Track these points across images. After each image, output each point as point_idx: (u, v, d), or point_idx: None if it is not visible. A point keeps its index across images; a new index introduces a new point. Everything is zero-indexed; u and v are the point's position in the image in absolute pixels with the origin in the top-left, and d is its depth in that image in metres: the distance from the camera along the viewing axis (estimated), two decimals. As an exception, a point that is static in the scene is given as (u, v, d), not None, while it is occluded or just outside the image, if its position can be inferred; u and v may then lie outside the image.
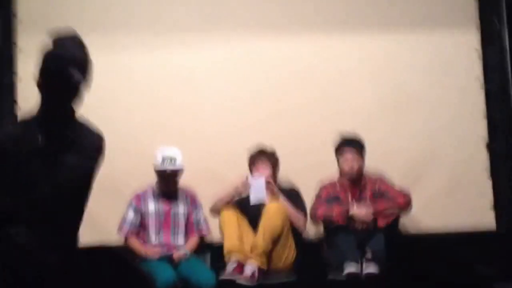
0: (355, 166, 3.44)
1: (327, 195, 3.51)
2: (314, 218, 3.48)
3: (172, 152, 3.48)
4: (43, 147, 1.87)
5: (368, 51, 3.86)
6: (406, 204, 3.41)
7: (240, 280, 3.24)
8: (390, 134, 3.81)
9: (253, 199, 3.38)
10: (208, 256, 3.61)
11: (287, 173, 3.65)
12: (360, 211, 3.38)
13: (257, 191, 3.34)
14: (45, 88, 1.88)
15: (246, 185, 3.42)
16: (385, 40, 3.85)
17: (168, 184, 3.53)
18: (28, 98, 3.71)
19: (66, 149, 1.89)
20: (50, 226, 1.81)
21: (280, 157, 3.58)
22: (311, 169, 3.68)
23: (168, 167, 3.46)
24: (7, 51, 3.81)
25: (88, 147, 1.96)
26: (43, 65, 1.88)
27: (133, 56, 3.80)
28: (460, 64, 3.83)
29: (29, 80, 3.69)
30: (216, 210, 3.51)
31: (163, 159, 3.47)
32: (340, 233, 3.35)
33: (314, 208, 3.48)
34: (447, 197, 3.75)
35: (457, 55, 3.84)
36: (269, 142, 3.62)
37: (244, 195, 3.46)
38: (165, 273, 3.18)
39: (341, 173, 3.52)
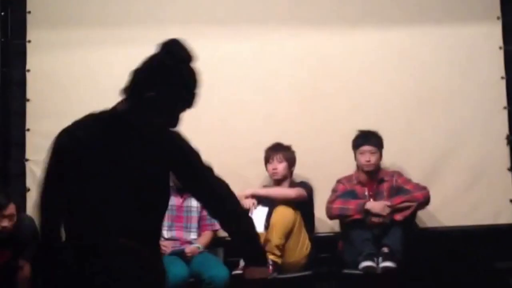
0: (372, 160, 3.43)
1: (343, 189, 3.48)
2: (330, 213, 3.43)
3: None
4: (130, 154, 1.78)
5: (390, 45, 3.77)
6: (424, 198, 3.36)
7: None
8: (411, 129, 3.76)
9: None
10: (221, 251, 3.60)
11: (305, 169, 3.62)
12: (377, 204, 3.34)
13: (259, 217, 3.38)
14: (171, 100, 1.78)
15: (250, 208, 3.43)
16: (407, 34, 3.77)
17: None
18: (38, 92, 3.83)
19: (152, 159, 1.81)
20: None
21: (297, 153, 3.54)
22: (330, 165, 3.65)
23: None
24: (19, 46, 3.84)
25: (168, 157, 1.87)
26: (183, 79, 1.79)
27: (147, 48, 3.77)
28: (482, 58, 3.76)
29: (39, 75, 3.76)
30: None
31: None
32: (356, 227, 3.32)
33: (329, 202, 3.44)
34: (467, 192, 3.68)
35: (479, 49, 3.77)
36: (287, 137, 3.59)
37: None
38: (177, 268, 3.16)
39: (358, 167, 3.50)
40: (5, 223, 3.03)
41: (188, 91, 1.81)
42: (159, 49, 1.81)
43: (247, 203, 3.42)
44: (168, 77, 1.76)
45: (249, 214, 3.36)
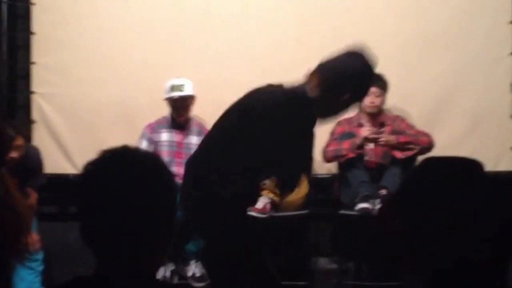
0: (377, 102, 3.35)
1: (341, 132, 3.41)
2: (325, 156, 3.38)
3: (180, 81, 3.49)
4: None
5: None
6: (429, 144, 3.29)
7: (252, 211, 3.14)
8: (412, 74, 3.66)
9: None
10: None
11: None
12: (367, 129, 3.28)
13: None
14: (357, 102, 2.25)
15: None
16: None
17: (178, 112, 3.51)
18: (43, 25, 3.78)
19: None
20: None
21: None
22: None
23: (176, 93, 3.46)
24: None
25: None
26: (369, 86, 2.29)
27: None
28: (488, 4, 3.61)
29: (44, 9, 3.72)
30: None
31: (172, 87, 3.48)
32: (353, 168, 3.26)
33: (325, 145, 3.38)
34: (467, 138, 3.61)
35: None
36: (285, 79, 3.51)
37: None
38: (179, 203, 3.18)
39: (361, 108, 3.40)
40: (14, 154, 3.06)
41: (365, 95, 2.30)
42: (353, 58, 2.11)
43: None
44: (362, 85, 2.16)
45: None
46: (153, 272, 1.17)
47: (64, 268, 3.29)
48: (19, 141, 3.10)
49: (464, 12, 3.59)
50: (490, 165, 3.58)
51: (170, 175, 1.17)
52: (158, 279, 2.73)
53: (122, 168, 1.11)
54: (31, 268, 3.23)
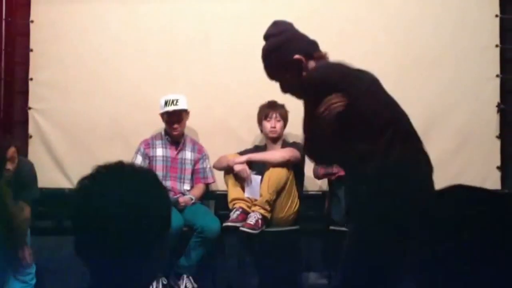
0: None
1: None
2: (316, 173, 3.43)
3: (174, 96, 3.54)
4: None
5: (380, 5, 3.67)
6: None
7: (244, 227, 3.24)
8: (401, 93, 3.58)
9: (248, 193, 3.39)
10: (212, 204, 3.66)
11: (296, 129, 3.50)
12: None
13: (254, 187, 3.36)
14: None
15: (248, 177, 3.36)
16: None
17: (173, 125, 3.55)
18: (41, 43, 3.82)
19: None
20: None
21: (290, 112, 3.48)
22: None
23: (170, 108, 3.51)
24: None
25: None
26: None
27: (145, 9, 3.80)
28: (478, 25, 3.66)
29: (42, 27, 3.76)
30: (219, 168, 3.51)
31: (166, 102, 3.53)
32: (343, 186, 3.25)
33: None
34: (455, 157, 3.63)
35: (476, 16, 3.66)
36: (279, 97, 3.52)
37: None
38: (172, 217, 3.18)
39: None
40: (9, 166, 3.04)
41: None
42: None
43: (242, 172, 3.35)
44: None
45: (246, 184, 3.36)
46: (146, 286, 1.17)
47: (57, 282, 3.29)
48: (12, 152, 3.06)
49: (453, 35, 3.64)
50: (477, 184, 3.58)
51: (164, 190, 1.18)
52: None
53: (117, 184, 1.12)
54: (24, 282, 3.19)
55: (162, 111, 3.53)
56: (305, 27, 3.66)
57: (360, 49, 3.57)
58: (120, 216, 1.08)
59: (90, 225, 1.09)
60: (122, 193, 1.10)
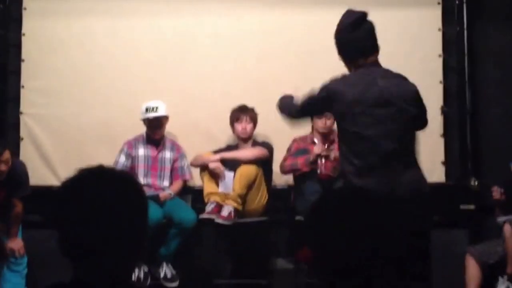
0: (328, 123, 3.54)
1: (296, 148, 3.63)
2: (282, 169, 3.59)
3: (154, 103, 3.68)
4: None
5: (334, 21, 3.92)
6: None
7: (218, 219, 3.41)
8: None
9: (221, 187, 3.55)
10: (189, 198, 3.78)
11: (265, 130, 3.79)
12: (316, 147, 3.48)
13: (227, 182, 3.53)
14: None
15: (221, 173, 3.54)
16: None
17: (153, 130, 3.70)
18: (32, 54, 3.95)
19: None
20: None
21: (259, 115, 3.69)
22: (287, 128, 3.83)
23: (151, 114, 3.65)
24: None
25: None
26: None
27: (132, 21, 3.96)
28: (423, 39, 3.92)
29: (33, 39, 3.94)
30: (195, 165, 3.67)
31: (147, 109, 3.67)
32: (307, 180, 3.47)
33: (283, 160, 3.61)
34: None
35: (421, 30, 3.94)
36: (249, 101, 3.73)
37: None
38: (152, 210, 3.30)
39: (314, 128, 3.63)
40: (2, 167, 3.19)
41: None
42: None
43: (216, 169, 3.52)
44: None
45: (220, 179, 3.53)
46: (129, 275, 1.20)
47: (47, 271, 3.31)
48: (6, 155, 3.21)
49: (401, 47, 3.87)
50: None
51: (141, 189, 1.21)
52: (133, 282, 2.75)
53: (97, 185, 1.14)
54: (17, 271, 3.34)
55: (143, 117, 3.66)
56: (276, 42, 3.93)
57: (319, 64, 3.72)
58: (100, 214, 1.10)
59: (72, 223, 1.11)
60: (101, 193, 1.12)
